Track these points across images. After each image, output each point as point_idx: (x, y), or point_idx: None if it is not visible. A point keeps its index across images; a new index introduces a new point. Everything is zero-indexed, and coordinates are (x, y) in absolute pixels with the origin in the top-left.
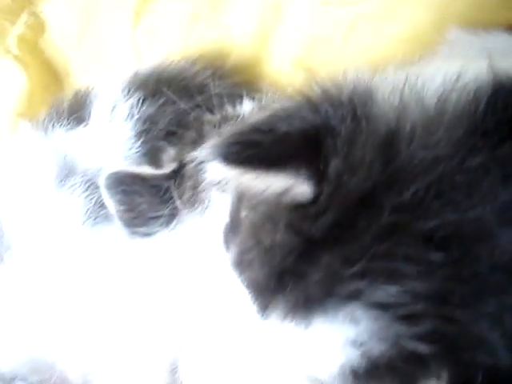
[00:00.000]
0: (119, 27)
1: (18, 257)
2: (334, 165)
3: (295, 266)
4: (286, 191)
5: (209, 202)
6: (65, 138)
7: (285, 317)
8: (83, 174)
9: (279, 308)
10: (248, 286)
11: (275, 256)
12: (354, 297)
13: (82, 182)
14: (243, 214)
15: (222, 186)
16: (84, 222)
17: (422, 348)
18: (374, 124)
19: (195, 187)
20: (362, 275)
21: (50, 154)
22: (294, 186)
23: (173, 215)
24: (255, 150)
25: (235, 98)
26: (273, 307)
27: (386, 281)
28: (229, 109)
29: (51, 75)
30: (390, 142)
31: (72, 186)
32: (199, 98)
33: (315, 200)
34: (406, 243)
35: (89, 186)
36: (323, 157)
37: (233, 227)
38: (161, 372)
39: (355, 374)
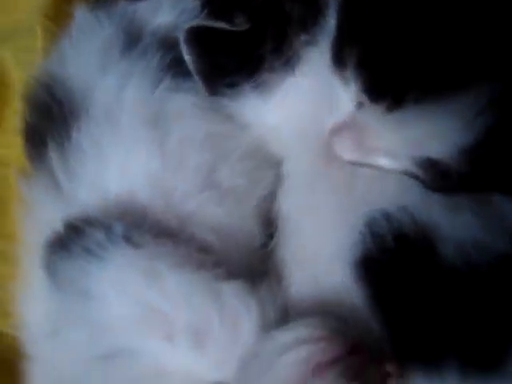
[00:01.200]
0: None
1: None
2: None
3: None
4: None
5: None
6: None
7: None
8: (154, 33)
9: None
10: None
11: None
12: None
13: (154, 41)
14: None
15: None
16: (159, 84)
17: None
18: None
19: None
20: None
21: (115, 23)
22: None
23: (257, 78)
24: None
25: None
26: None
27: None
28: None
29: None
30: None
31: (144, 47)
32: None
33: None
34: None
35: (162, 45)
36: None
37: None
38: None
39: None
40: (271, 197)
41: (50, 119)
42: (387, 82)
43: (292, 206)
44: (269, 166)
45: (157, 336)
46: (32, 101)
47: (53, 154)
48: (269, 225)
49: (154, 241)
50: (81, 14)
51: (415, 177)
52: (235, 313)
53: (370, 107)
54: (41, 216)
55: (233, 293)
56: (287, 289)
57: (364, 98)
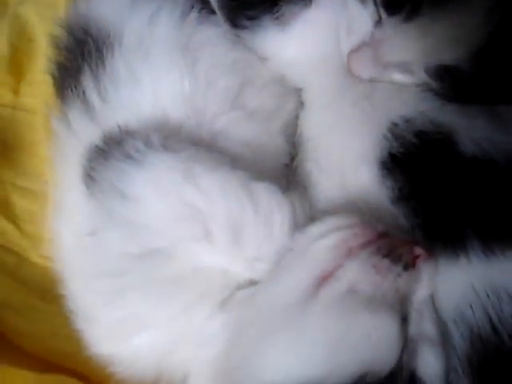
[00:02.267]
0: None
1: None
2: None
3: None
4: None
5: None
6: None
7: None
8: None
9: None
10: None
11: None
12: None
13: None
14: None
15: None
16: (187, 16)
17: None
18: None
19: None
20: None
21: None
22: None
23: (276, 11)
24: None
25: None
26: None
27: None
28: None
29: None
30: None
31: None
32: None
33: None
34: None
35: None
36: None
37: None
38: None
39: None
40: (296, 121)
41: (83, 53)
42: None
43: (316, 123)
44: (291, 92)
45: (195, 233)
46: (64, 39)
47: (87, 83)
48: (295, 144)
49: (190, 148)
50: None
51: (431, 88)
52: (269, 209)
53: (386, 22)
54: (76, 139)
55: (266, 191)
56: (315, 196)
57: (382, 12)
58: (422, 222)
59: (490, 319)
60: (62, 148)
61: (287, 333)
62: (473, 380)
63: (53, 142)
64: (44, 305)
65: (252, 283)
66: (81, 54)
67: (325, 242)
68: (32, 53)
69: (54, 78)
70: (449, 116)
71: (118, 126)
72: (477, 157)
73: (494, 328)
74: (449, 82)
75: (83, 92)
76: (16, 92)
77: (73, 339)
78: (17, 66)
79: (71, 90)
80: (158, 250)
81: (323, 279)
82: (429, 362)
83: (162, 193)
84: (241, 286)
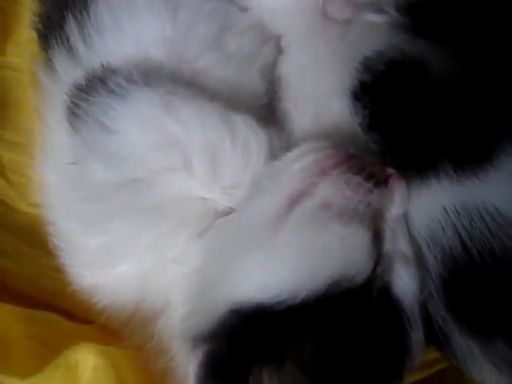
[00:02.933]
0: None
1: None
2: None
3: None
4: None
5: None
6: None
7: None
8: None
9: None
10: None
11: None
12: None
13: None
14: None
15: None
16: None
17: None
18: None
19: None
20: None
21: None
22: None
23: None
24: None
25: None
26: None
27: None
28: None
29: None
30: None
31: None
32: None
33: None
34: None
35: None
36: None
37: None
38: None
39: None
40: (274, 65)
41: (67, 2)
42: None
43: (292, 63)
44: (270, 38)
45: (174, 163)
46: None
47: (71, 30)
48: (273, 84)
49: (170, 83)
50: None
51: (401, 24)
52: (246, 138)
53: None
54: (61, 83)
55: (244, 122)
56: (291, 130)
57: None
58: (393, 147)
59: (460, 237)
60: (47, 95)
61: (261, 248)
62: (446, 299)
63: (39, 96)
64: (31, 249)
65: (230, 211)
66: (64, 4)
67: (298, 164)
68: (17, 13)
69: (38, 31)
70: (419, 47)
71: (101, 64)
72: (447, 81)
73: (464, 246)
74: (417, 16)
75: (67, 39)
76: (2, 51)
77: (59, 278)
78: (2, 26)
79: (55, 39)
80: (138, 179)
81: (297, 198)
82: (403, 280)
83: (142, 124)
84: (219, 214)
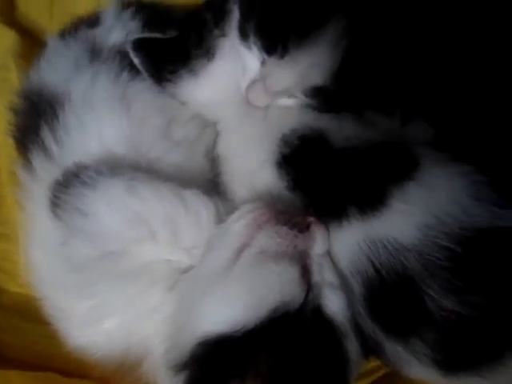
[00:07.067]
0: None
1: None
2: None
3: None
4: None
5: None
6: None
7: None
8: (111, 48)
9: None
10: None
11: None
12: None
13: (112, 52)
14: None
15: None
16: (120, 76)
17: None
18: None
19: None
20: None
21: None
22: None
23: (189, 65)
24: None
25: None
26: None
27: None
28: None
29: None
30: None
31: (106, 56)
32: None
33: None
34: None
35: (119, 54)
36: None
37: None
38: None
39: None
40: (214, 146)
41: (39, 112)
42: (276, 37)
43: (227, 143)
44: (209, 125)
45: (141, 235)
46: (21, 105)
47: (45, 134)
48: (214, 162)
49: (130, 172)
50: (52, 42)
51: (310, 106)
52: (196, 207)
53: (268, 61)
54: (40, 180)
55: (193, 194)
56: (232, 198)
57: (263, 54)
58: (313, 200)
59: (373, 263)
60: (27, 190)
61: (216, 291)
62: (370, 313)
63: (19, 191)
64: (25, 323)
65: (192, 267)
66: (37, 114)
67: (239, 222)
68: None
69: (15, 138)
70: (323, 122)
71: (74, 162)
72: (345, 148)
73: (376, 269)
74: (320, 98)
75: (42, 142)
76: None
77: (53, 343)
78: None
79: (32, 144)
80: (114, 251)
81: (241, 248)
82: (333, 301)
83: (111, 206)
84: (183, 271)
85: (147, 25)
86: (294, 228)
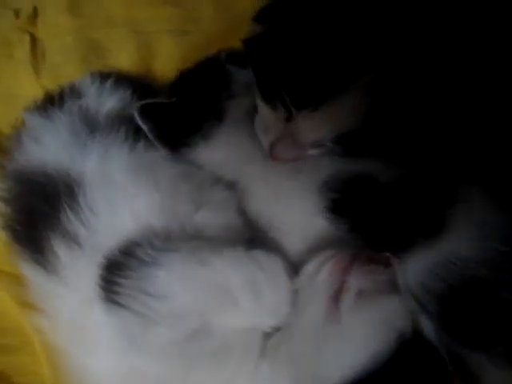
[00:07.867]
0: None
1: None
2: None
3: None
4: None
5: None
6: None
7: None
8: (107, 115)
9: None
10: None
11: None
12: None
13: (110, 120)
14: None
15: None
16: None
17: None
18: None
19: None
20: None
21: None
22: None
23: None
24: None
25: None
26: None
27: None
28: None
29: None
30: None
31: (106, 126)
32: None
33: None
34: None
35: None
36: None
37: None
38: None
39: None
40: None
41: (54, 194)
42: (307, 91)
43: (259, 201)
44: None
45: (224, 305)
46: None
47: (67, 220)
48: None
49: (188, 242)
50: (31, 119)
51: (335, 153)
52: (270, 266)
53: (297, 115)
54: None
55: (261, 254)
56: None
57: (293, 110)
58: (371, 240)
59: (446, 282)
60: (48, 288)
61: (332, 343)
62: (451, 333)
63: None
64: None
65: (276, 329)
66: (51, 196)
67: (322, 273)
68: None
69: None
70: (360, 164)
71: (124, 240)
72: (390, 183)
73: (449, 286)
74: (347, 145)
75: (64, 228)
76: None
77: None
78: None
79: (53, 231)
80: (198, 328)
81: (337, 296)
82: (425, 325)
83: (186, 283)
84: (269, 335)
85: (136, 92)
86: (379, 264)
